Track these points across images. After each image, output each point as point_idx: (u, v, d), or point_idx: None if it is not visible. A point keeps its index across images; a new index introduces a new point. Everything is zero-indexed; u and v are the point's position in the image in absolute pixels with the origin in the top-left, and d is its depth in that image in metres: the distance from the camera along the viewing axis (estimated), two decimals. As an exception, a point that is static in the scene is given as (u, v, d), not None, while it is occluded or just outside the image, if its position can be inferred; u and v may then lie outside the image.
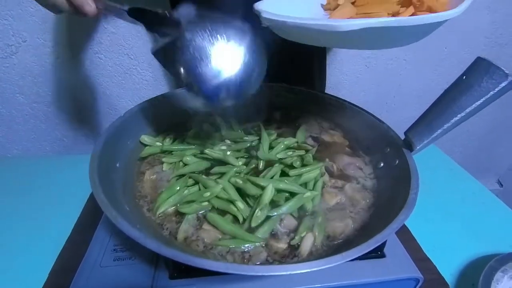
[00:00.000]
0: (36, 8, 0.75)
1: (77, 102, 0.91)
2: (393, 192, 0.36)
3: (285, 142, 0.43)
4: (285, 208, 0.34)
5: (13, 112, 0.90)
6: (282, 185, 0.35)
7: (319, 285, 0.32)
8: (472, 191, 0.73)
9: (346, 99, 0.49)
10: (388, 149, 0.41)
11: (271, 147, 0.43)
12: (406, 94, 1.08)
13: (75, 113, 0.93)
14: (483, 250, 0.56)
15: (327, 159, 0.43)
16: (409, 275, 0.35)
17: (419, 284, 0.36)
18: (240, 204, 0.34)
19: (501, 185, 1.40)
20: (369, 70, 1.01)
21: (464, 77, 0.31)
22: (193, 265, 0.23)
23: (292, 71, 0.59)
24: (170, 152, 0.43)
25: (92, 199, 0.61)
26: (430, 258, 0.51)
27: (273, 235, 0.33)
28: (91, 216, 0.56)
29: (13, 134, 0.94)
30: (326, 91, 0.52)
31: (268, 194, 0.34)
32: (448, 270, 0.53)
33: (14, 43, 0.79)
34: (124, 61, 0.87)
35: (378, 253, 0.36)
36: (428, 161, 0.62)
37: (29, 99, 0.88)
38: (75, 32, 0.79)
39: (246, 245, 0.31)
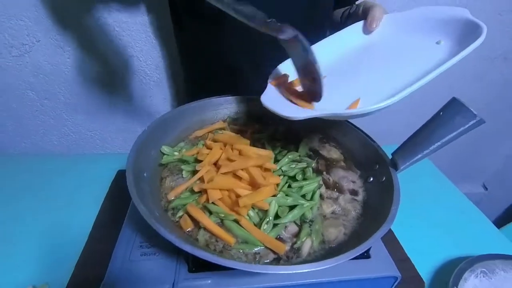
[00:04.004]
0: (51, 10, 0.78)
1: (86, 100, 0.95)
2: (378, 204, 0.42)
3: (289, 156, 0.49)
4: (290, 217, 0.40)
5: (24, 108, 0.94)
6: (287, 201, 0.42)
7: (314, 280, 0.38)
8: (453, 200, 0.80)
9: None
10: (377, 166, 0.47)
11: (276, 160, 0.49)
12: (402, 101, 1.14)
13: (83, 111, 0.97)
14: (456, 252, 0.63)
15: (324, 172, 0.49)
16: (389, 274, 0.41)
17: (398, 281, 0.43)
18: (251, 212, 0.40)
19: (486, 188, 1.47)
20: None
21: (441, 113, 0.38)
22: (224, 265, 0.29)
23: None
24: (187, 161, 0.48)
25: (108, 198, 0.66)
26: (410, 258, 0.58)
27: (279, 239, 0.40)
28: (109, 214, 0.61)
29: (23, 128, 0.98)
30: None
31: (272, 209, 0.40)
32: (425, 269, 0.60)
33: (28, 43, 0.82)
34: (133, 63, 0.91)
35: (364, 254, 0.42)
36: (416, 171, 0.69)
37: (39, 96, 0.92)
38: (87, 34, 0.82)
39: (257, 248, 0.38)
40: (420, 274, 0.56)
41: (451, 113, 0.37)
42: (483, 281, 0.54)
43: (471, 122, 0.36)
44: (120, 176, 0.72)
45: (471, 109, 0.35)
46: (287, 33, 0.37)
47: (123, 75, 0.92)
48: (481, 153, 1.37)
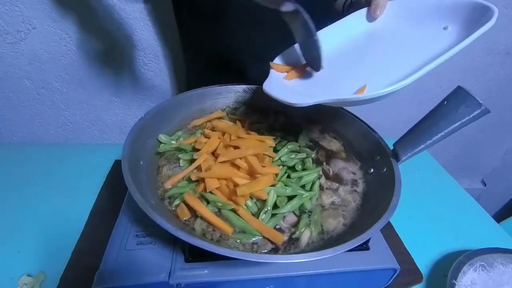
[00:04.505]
0: (47, -3, 0.76)
1: (83, 90, 0.93)
2: (379, 196, 0.42)
3: (288, 146, 0.48)
4: (288, 207, 0.40)
5: (20, 97, 0.92)
6: (286, 191, 0.41)
7: (313, 272, 0.38)
8: (453, 194, 0.80)
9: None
10: (378, 157, 0.46)
11: (275, 150, 0.48)
12: (403, 93, 1.13)
13: (80, 100, 0.95)
14: (455, 246, 0.63)
15: (324, 163, 0.49)
16: (388, 266, 0.41)
17: (396, 273, 0.43)
18: (249, 202, 0.40)
19: (485, 184, 1.48)
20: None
21: (445, 102, 0.37)
22: (220, 253, 0.28)
23: None
24: (185, 150, 0.47)
25: (105, 187, 0.65)
26: (409, 251, 0.58)
27: (277, 229, 0.39)
28: (106, 203, 0.60)
29: (20, 118, 0.97)
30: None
31: (271, 199, 0.40)
32: (424, 262, 0.60)
33: (23, 30, 0.80)
34: (132, 52, 0.89)
35: (363, 246, 0.42)
36: (416, 164, 0.69)
37: (36, 85, 0.90)
38: (84, 22, 0.81)
39: (254, 238, 0.37)
40: (419, 267, 0.55)
41: (455, 102, 0.36)
42: (482, 274, 0.54)
43: (476, 112, 0.35)
44: (117, 165, 0.71)
45: (477, 98, 0.34)
46: (287, 6, 0.38)
47: (121, 64, 0.90)
48: (481, 150, 1.37)
